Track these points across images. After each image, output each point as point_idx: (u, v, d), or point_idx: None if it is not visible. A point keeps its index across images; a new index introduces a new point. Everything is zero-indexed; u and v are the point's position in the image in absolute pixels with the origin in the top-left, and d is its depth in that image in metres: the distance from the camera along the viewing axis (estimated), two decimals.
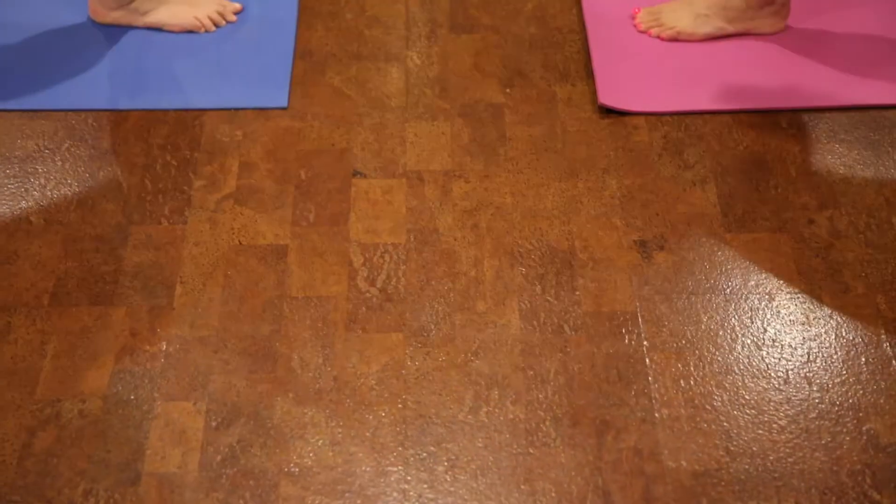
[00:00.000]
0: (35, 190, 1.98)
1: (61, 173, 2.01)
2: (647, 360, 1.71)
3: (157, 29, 2.30)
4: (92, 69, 2.23)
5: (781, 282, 1.83)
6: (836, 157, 2.04)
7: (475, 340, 1.74)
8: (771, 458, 1.58)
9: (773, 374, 1.68)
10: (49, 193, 1.98)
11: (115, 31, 2.30)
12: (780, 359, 1.71)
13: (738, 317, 1.78)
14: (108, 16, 2.29)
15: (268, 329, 1.76)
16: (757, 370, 1.69)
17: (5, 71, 2.22)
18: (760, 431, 1.61)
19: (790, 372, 1.68)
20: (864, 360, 1.70)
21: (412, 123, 2.12)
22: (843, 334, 1.74)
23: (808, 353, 1.71)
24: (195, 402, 1.65)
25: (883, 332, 1.74)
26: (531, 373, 1.69)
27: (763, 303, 1.80)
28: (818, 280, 1.83)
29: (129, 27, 2.30)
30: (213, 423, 1.62)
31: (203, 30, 2.31)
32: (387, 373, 1.69)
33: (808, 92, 2.16)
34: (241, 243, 1.89)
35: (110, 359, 1.71)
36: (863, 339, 1.73)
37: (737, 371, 1.69)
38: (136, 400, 1.65)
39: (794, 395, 1.65)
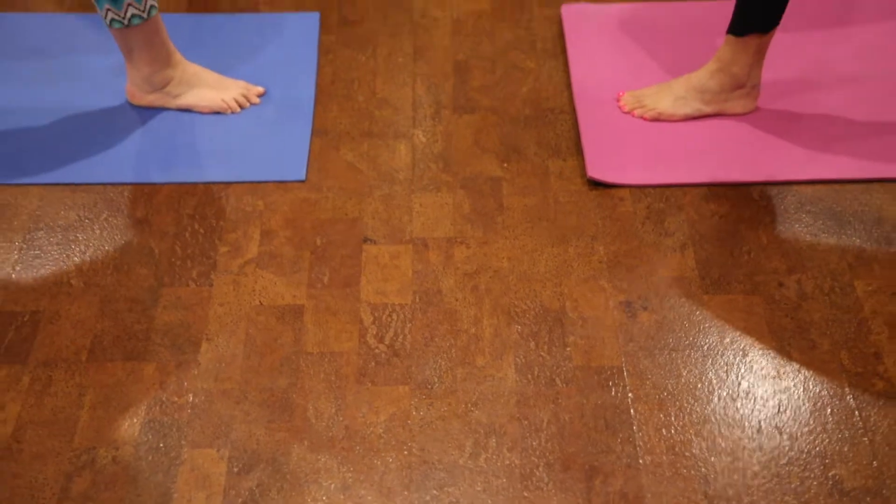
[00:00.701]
0: (76, 256, 1.98)
1: (99, 241, 2.02)
2: (632, 411, 1.71)
3: (188, 110, 2.31)
4: (128, 146, 2.24)
5: (754, 339, 1.83)
6: (802, 225, 2.04)
7: (475, 392, 1.74)
8: (745, 501, 1.57)
9: (746, 424, 1.68)
10: (88, 259, 1.98)
11: (149, 113, 2.31)
12: (753, 410, 1.71)
13: (715, 371, 1.78)
14: (144, 99, 2.30)
15: (285, 382, 1.76)
16: (732, 420, 1.69)
17: (51, 148, 2.23)
18: (735, 477, 1.60)
19: (762, 422, 1.68)
20: (829, 411, 1.70)
21: (418, 195, 2.12)
22: (811, 387, 1.74)
23: (779, 405, 1.71)
24: (218, 450, 1.64)
25: (846, 385, 1.74)
26: (526, 422, 1.69)
27: (737, 358, 1.80)
28: (787, 338, 1.83)
29: (163, 108, 2.31)
30: (235, 469, 1.62)
31: (229, 111, 2.31)
32: (394, 422, 1.69)
33: (776, 167, 2.17)
34: (261, 303, 1.90)
35: (141, 409, 1.71)
36: (828, 392, 1.73)
37: (714, 421, 1.69)
38: (164, 447, 1.65)
39: (766, 444, 1.65)
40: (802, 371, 1.77)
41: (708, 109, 2.27)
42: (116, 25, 2.16)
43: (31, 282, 1.93)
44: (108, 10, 2.14)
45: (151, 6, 2.17)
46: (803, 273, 1.94)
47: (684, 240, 2.02)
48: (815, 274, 1.94)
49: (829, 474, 1.61)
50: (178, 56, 2.29)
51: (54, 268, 1.96)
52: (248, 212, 2.08)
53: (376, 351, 1.81)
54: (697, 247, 2.01)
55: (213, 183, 2.14)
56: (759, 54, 2.21)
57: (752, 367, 1.78)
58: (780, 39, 2.39)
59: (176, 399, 1.72)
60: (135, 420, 1.69)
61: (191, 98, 2.30)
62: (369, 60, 2.45)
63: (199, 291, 1.92)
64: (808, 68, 2.40)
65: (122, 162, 2.20)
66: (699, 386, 1.74)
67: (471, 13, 2.58)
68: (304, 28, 2.54)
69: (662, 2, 2.60)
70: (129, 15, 2.15)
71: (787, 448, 1.64)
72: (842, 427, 1.67)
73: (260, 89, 2.36)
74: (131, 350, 1.81)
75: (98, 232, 2.03)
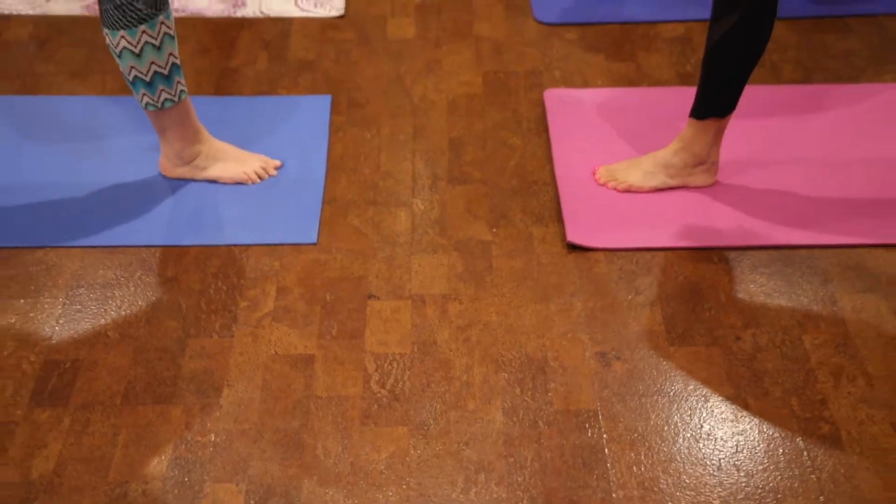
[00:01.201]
0: (112, 310, 1.99)
1: (133, 297, 2.03)
2: (606, 450, 1.71)
3: (213, 181, 2.32)
4: (160, 213, 2.25)
5: (714, 387, 1.84)
6: (757, 286, 2.05)
7: (466, 433, 1.75)
8: None
9: (708, 462, 1.69)
10: (123, 313, 1.99)
11: (179, 183, 2.32)
12: (713, 450, 1.72)
13: (680, 415, 1.78)
14: (175, 171, 2.32)
15: (297, 423, 1.76)
16: (695, 459, 1.70)
17: (92, 215, 2.23)
18: None
19: (722, 461, 1.69)
20: (781, 451, 1.71)
21: (416, 256, 2.13)
22: (765, 430, 1.75)
23: (737, 446, 1.72)
24: (237, 484, 1.65)
25: (796, 428, 1.75)
26: (512, 460, 1.70)
27: (700, 403, 1.80)
28: (743, 386, 1.84)
29: (191, 180, 2.32)
30: (252, 501, 1.62)
31: (250, 182, 2.32)
32: (394, 459, 1.70)
33: (733, 234, 2.18)
34: (276, 353, 1.90)
35: (169, 448, 1.72)
36: (780, 435, 1.74)
37: (679, 459, 1.70)
38: (188, 482, 1.66)
39: (726, 480, 1.66)
40: (757, 416, 1.78)
41: (673, 182, 2.27)
42: (151, 108, 2.19)
43: (72, 333, 1.94)
44: (144, 94, 2.16)
45: (181, 90, 2.19)
46: (757, 328, 1.95)
47: (652, 298, 2.03)
48: (768, 329, 1.95)
49: None
50: (205, 133, 2.31)
51: (93, 321, 1.97)
52: (266, 271, 2.09)
53: (378, 395, 1.82)
54: (664, 304, 2.02)
55: (235, 245, 2.15)
56: (718, 135, 2.22)
57: (712, 411, 1.79)
58: (740, 124, 2.41)
59: (199, 438, 1.73)
60: (163, 457, 1.70)
61: (216, 170, 2.31)
62: (374, 138, 2.46)
63: (221, 342, 1.93)
64: (763, 149, 2.42)
65: (155, 227, 2.20)
66: (666, 428, 1.75)
67: (464, 96, 2.60)
68: (317, 109, 2.55)
69: (632, 88, 2.63)
70: (162, 99, 2.17)
71: (744, 484, 1.65)
72: (792, 466, 1.68)
73: (277, 162, 2.37)
74: (160, 394, 1.82)
75: (132, 289, 2.04)
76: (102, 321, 1.97)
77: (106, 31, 2.12)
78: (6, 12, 2.89)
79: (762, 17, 2.09)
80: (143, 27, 2.10)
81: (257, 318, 1.98)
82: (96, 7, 2.18)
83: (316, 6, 2.93)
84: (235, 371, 1.87)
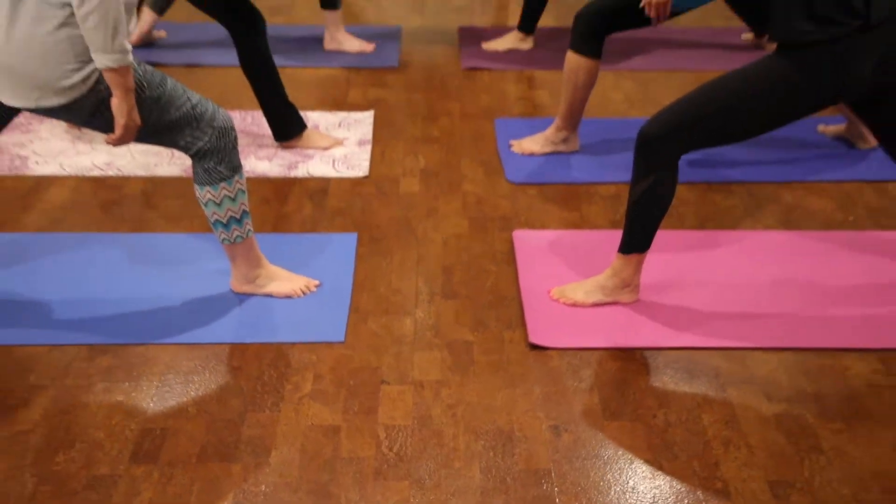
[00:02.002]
0: (192, 391, 2.00)
1: (208, 381, 2.03)
2: (557, 500, 1.72)
3: (269, 295, 2.32)
4: (230, 319, 2.25)
5: (637, 452, 1.84)
6: (668, 377, 2.06)
7: (453, 486, 1.74)
8: None
9: None
10: (200, 393, 2.00)
11: (244, 297, 2.32)
12: (636, 500, 1.72)
13: (612, 474, 1.78)
14: (241, 288, 2.33)
15: (326, 478, 1.76)
16: None
17: (179, 319, 2.23)
18: None
19: None
20: (686, 501, 1.71)
21: (417, 352, 2.13)
22: (674, 485, 1.76)
23: (654, 497, 1.73)
24: None
25: (697, 484, 1.76)
26: None
27: (626, 465, 1.81)
28: (658, 451, 1.84)
29: (253, 294, 2.32)
30: None
31: (296, 296, 2.31)
32: None
33: (650, 338, 2.18)
34: (312, 424, 1.90)
35: (230, 496, 1.72)
36: (685, 489, 1.75)
37: None
38: None
39: None
40: (668, 475, 1.78)
41: (607, 299, 2.28)
42: (226, 243, 2.22)
43: (162, 408, 1.94)
44: (222, 233, 2.20)
45: (249, 230, 2.22)
46: (668, 409, 1.96)
47: (591, 385, 2.03)
48: (676, 409, 1.96)
49: None
50: (264, 260, 2.33)
51: (178, 399, 1.97)
52: (305, 362, 2.09)
53: (387, 457, 1.82)
54: (600, 389, 2.02)
55: (283, 343, 2.15)
56: (639, 265, 2.25)
57: (636, 471, 1.79)
58: (655, 257, 2.42)
59: (253, 489, 1.73)
60: (226, 503, 1.70)
61: (271, 287, 2.32)
62: (388, 264, 2.48)
63: (271, 416, 1.92)
64: (672, 276, 2.43)
65: (225, 329, 2.21)
66: (601, 483, 1.75)
67: (454, 235, 2.62)
68: (346, 244, 2.56)
69: (578, 230, 2.66)
70: (234, 236, 2.20)
71: None
72: None
73: (316, 282, 2.37)
74: (225, 455, 1.81)
75: (207, 375, 2.04)
76: (184, 399, 1.97)
77: (196, 186, 2.17)
78: (127, 174, 2.94)
79: (668, 181, 2.14)
80: (223, 184, 2.14)
81: (298, 398, 1.98)
82: (191, 170, 2.22)
83: (348, 169, 2.98)
84: (281, 437, 1.86)
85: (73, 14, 1.86)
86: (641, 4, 2.67)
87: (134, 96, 1.95)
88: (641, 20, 2.78)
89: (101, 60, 1.86)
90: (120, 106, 1.93)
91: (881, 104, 2.12)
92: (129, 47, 1.90)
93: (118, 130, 1.96)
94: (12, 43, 1.88)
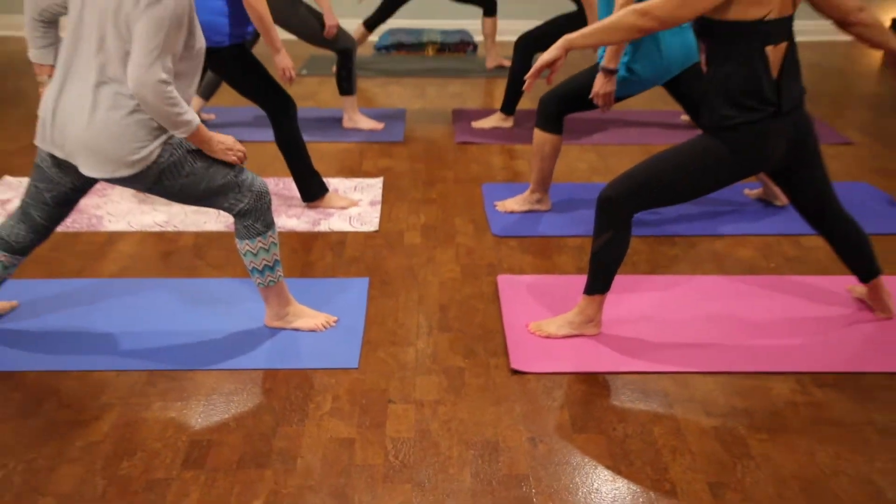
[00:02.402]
0: (232, 409, 1.99)
1: (245, 401, 2.02)
2: (534, 500, 1.71)
3: (296, 329, 2.31)
4: (263, 349, 2.24)
5: (600, 460, 1.83)
6: (625, 396, 2.06)
7: (448, 489, 1.74)
8: None
9: None
10: (239, 411, 1.99)
11: (275, 331, 2.31)
12: (599, 500, 1.71)
13: (580, 477, 1.78)
14: (273, 323, 2.32)
15: (343, 482, 1.75)
16: None
17: (222, 349, 2.22)
18: None
19: None
20: (640, 500, 1.70)
21: (419, 377, 2.13)
22: (631, 486, 1.75)
23: (614, 497, 1.72)
24: None
25: (649, 485, 1.75)
26: None
27: (591, 470, 1.80)
28: (618, 459, 1.83)
29: (283, 328, 2.32)
30: None
31: (319, 330, 2.31)
32: None
33: (611, 363, 2.18)
34: (331, 437, 1.90)
35: (263, 496, 1.71)
36: (639, 489, 1.74)
37: None
38: None
39: None
40: (626, 478, 1.78)
41: (574, 332, 2.28)
42: (261, 286, 2.24)
43: (208, 424, 1.94)
44: (258, 278, 2.22)
45: (280, 275, 2.24)
46: (626, 422, 1.95)
47: (562, 402, 2.03)
48: (632, 423, 1.96)
49: None
50: (293, 300, 2.33)
51: (221, 415, 1.97)
52: (326, 384, 2.09)
53: (394, 464, 1.81)
54: (569, 407, 2.01)
55: (307, 369, 2.14)
56: (601, 304, 2.26)
57: (599, 475, 1.79)
58: (613, 297, 2.44)
59: (283, 490, 1.72)
60: (260, 502, 1.69)
61: (299, 323, 2.31)
62: (394, 304, 2.48)
63: (298, 429, 1.92)
64: (627, 313, 2.43)
65: (260, 357, 2.20)
66: (571, 486, 1.75)
67: (448, 279, 2.63)
68: (360, 287, 2.57)
69: (550, 275, 2.65)
70: (268, 281, 2.22)
71: None
72: None
73: (335, 318, 2.36)
74: (259, 462, 1.81)
75: (245, 396, 2.04)
76: (226, 416, 1.97)
77: (237, 240, 2.20)
78: (181, 230, 2.95)
79: (623, 235, 2.16)
80: (259, 238, 2.17)
81: (320, 415, 1.97)
82: (233, 226, 2.23)
83: (361, 225, 3.01)
84: (305, 448, 1.86)
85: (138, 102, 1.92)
86: (590, 96, 2.74)
87: (215, 143, 2.02)
88: (592, 105, 2.84)
89: (176, 134, 1.93)
90: (211, 152, 2.05)
91: (792, 174, 2.17)
92: (192, 117, 1.95)
93: (222, 155, 2.07)
94: (93, 126, 1.93)
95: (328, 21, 3.67)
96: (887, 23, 5.65)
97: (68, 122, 1.95)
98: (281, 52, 2.95)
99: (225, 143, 2.06)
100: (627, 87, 2.80)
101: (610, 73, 2.69)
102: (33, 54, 2.09)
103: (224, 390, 2.06)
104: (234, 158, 2.07)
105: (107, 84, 1.92)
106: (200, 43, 2.00)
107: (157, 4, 1.84)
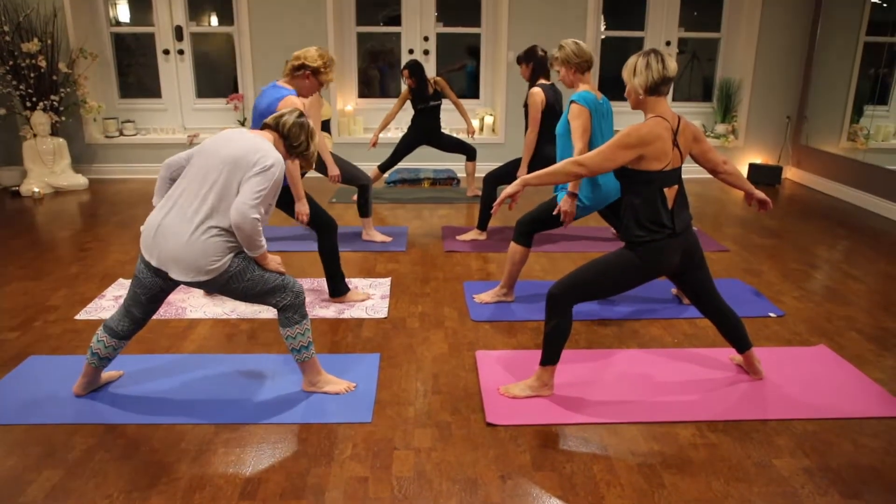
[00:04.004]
0: (277, 454, 1.96)
1: (286, 448, 2.00)
2: None
3: (325, 393, 2.30)
4: (301, 407, 2.19)
5: (553, 491, 1.80)
6: (572, 442, 2.03)
7: None
8: None
9: None
10: (282, 455, 1.96)
11: (309, 394, 2.27)
12: None
13: (537, 491, 1.75)
14: (308, 389, 2.29)
15: None
16: None
17: (271, 408, 2.18)
18: None
19: None
20: None
21: (417, 429, 2.11)
22: None
23: None
24: None
25: None
26: None
27: (547, 500, 1.76)
28: (566, 490, 1.79)
29: (314, 392, 2.28)
30: None
31: (342, 393, 2.30)
32: None
33: (561, 417, 2.14)
34: (350, 476, 1.87)
35: None
36: None
37: None
38: None
39: None
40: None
41: (533, 394, 2.26)
42: (299, 361, 2.25)
43: (258, 465, 1.91)
44: (295, 356, 2.23)
45: (313, 352, 2.24)
46: (572, 462, 1.93)
47: (525, 447, 2.01)
48: (577, 462, 1.93)
49: None
50: (323, 370, 2.31)
51: (268, 459, 1.95)
52: (346, 434, 2.06)
53: (398, 497, 1.79)
54: (531, 450, 1.99)
55: (333, 423, 2.11)
56: (553, 372, 2.23)
57: (552, 503, 1.74)
58: (563, 367, 2.44)
59: None
60: None
61: (327, 388, 2.29)
62: (399, 374, 2.44)
63: (325, 470, 1.90)
64: (575, 378, 2.40)
65: (297, 413, 2.16)
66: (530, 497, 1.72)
67: (439, 353, 2.60)
68: (372, 360, 2.53)
69: (516, 350, 2.61)
70: (304, 357, 2.23)
71: None
72: None
73: (354, 385, 2.33)
74: (297, 495, 1.79)
75: (286, 444, 2.01)
76: (272, 459, 1.95)
77: (280, 327, 2.23)
78: (242, 318, 2.94)
79: (567, 321, 2.17)
80: (297, 326, 2.19)
81: (343, 459, 1.94)
82: (277, 316, 2.24)
83: (374, 313, 3.01)
84: (331, 484, 1.84)
85: (222, 230, 2.02)
86: (555, 211, 2.80)
87: (269, 260, 2.11)
88: (557, 224, 2.90)
89: (250, 253, 2.03)
90: (265, 266, 2.11)
91: (685, 275, 2.28)
92: (264, 244, 2.08)
93: (272, 267, 2.11)
94: (188, 246, 2.05)
95: (331, 171, 3.71)
96: (746, 166, 5.96)
97: (168, 239, 2.05)
98: (301, 200, 2.89)
99: (275, 259, 2.16)
100: (577, 212, 2.91)
101: (573, 195, 2.72)
102: (156, 200, 2.21)
103: (271, 440, 2.04)
104: (280, 270, 2.16)
105: (208, 218, 2.04)
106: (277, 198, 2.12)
107: (267, 171, 1.97)
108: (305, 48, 2.82)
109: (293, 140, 2.12)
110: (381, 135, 5.84)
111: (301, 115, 2.12)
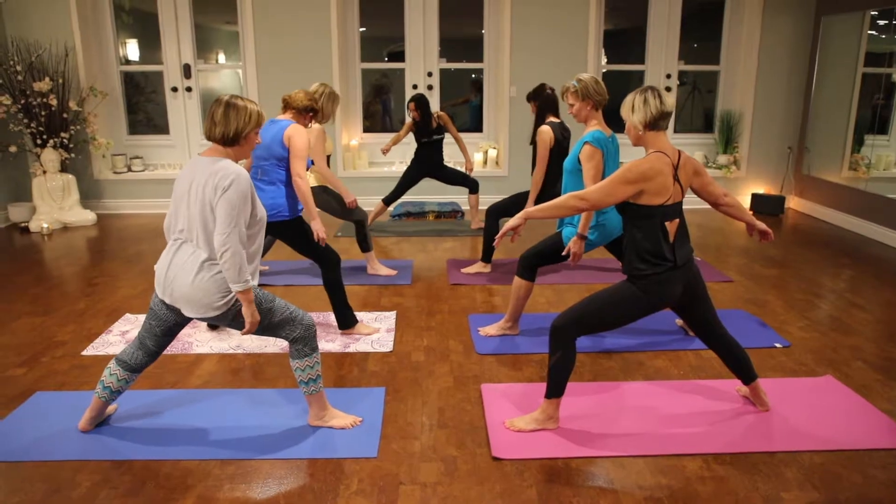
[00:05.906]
0: (283, 488, 1.96)
1: (292, 483, 2.00)
2: None
3: (331, 427, 2.28)
4: (308, 442, 2.20)
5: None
6: (578, 475, 2.02)
7: None
8: None
9: None
10: (288, 489, 1.96)
11: (315, 428, 2.29)
12: None
13: None
14: (315, 423, 2.29)
15: None
16: None
17: (278, 441, 2.18)
18: None
19: None
20: None
21: (423, 463, 2.09)
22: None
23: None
24: None
25: None
26: None
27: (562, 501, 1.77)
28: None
29: (320, 426, 2.29)
30: None
31: (348, 427, 2.27)
32: None
33: (566, 450, 2.14)
34: None
35: None
36: None
37: None
38: None
39: None
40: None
41: (539, 427, 2.26)
42: (306, 394, 2.28)
43: (266, 498, 1.90)
44: (303, 388, 2.25)
45: (321, 386, 2.25)
46: (579, 495, 1.91)
47: (531, 481, 2.00)
48: (583, 495, 1.91)
49: None
50: (329, 405, 2.31)
51: (274, 494, 1.93)
52: (352, 469, 2.06)
53: None
54: (537, 484, 1.99)
55: (339, 458, 2.12)
56: (558, 405, 2.22)
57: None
58: (567, 400, 2.43)
59: None
60: None
61: (333, 422, 2.30)
62: (404, 406, 2.45)
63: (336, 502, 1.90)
64: (578, 411, 2.39)
65: (304, 448, 2.17)
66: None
67: (445, 387, 2.60)
68: (378, 394, 2.54)
69: (519, 384, 2.59)
70: (311, 390, 2.25)
71: None
72: None
73: (360, 419, 2.34)
74: None
75: (293, 478, 2.02)
76: (278, 494, 1.95)
77: (290, 359, 2.26)
78: (248, 353, 2.96)
79: (571, 353, 2.17)
80: (306, 359, 2.22)
81: (348, 494, 1.94)
82: (287, 349, 2.26)
83: (380, 347, 3.02)
84: None
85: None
86: (565, 252, 2.84)
87: (255, 306, 2.11)
88: (561, 259, 2.90)
89: (234, 287, 2.06)
90: (246, 312, 2.09)
91: (687, 308, 2.32)
92: (249, 278, 2.07)
93: (247, 326, 2.12)
94: (194, 285, 2.11)
95: (346, 198, 3.81)
96: (749, 197, 6.00)
97: (177, 279, 2.12)
98: (316, 220, 2.96)
99: (255, 316, 2.07)
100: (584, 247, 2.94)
101: (582, 238, 2.76)
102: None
103: (276, 474, 2.03)
104: (253, 321, 2.07)
105: (208, 258, 2.08)
106: (261, 213, 2.16)
107: (227, 192, 1.96)
108: (297, 90, 3.01)
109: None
110: (385, 169, 5.96)
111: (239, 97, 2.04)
